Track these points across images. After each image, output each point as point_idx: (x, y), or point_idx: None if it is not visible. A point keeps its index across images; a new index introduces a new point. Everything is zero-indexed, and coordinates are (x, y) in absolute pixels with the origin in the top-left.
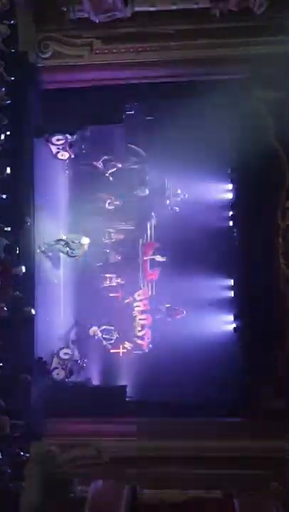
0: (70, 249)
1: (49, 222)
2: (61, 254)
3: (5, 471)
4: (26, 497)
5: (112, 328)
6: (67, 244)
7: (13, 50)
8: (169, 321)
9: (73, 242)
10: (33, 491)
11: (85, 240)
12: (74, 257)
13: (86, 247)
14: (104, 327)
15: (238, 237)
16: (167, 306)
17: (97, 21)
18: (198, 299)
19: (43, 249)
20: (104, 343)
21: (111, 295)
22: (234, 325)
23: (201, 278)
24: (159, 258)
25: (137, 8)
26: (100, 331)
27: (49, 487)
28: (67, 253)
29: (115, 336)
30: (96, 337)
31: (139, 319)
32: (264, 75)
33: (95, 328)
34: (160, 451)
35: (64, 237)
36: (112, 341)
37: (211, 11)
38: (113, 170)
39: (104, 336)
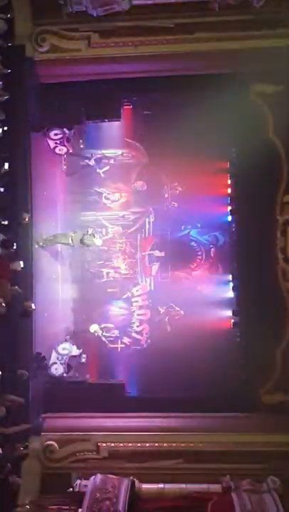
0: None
1: (47, 217)
2: (59, 249)
3: (4, 466)
4: (25, 491)
5: (112, 326)
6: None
7: (10, 44)
8: (168, 320)
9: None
10: (32, 485)
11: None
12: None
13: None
14: (104, 325)
15: (236, 231)
16: (166, 307)
17: (94, 15)
18: (197, 294)
19: (41, 244)
20: (104, 339)
21: (109, 290)
22: (233, 320)
23: (200, 273)
24: (157, 253)
25: (135, 2)
26: (101, 329)
27: (48, 481)
28: (71, 242)
29: (115, 333)
30: (96, 334)
31: (138, 314)
32: (263, 68)
33: (95, 326)
34: (159, 445)
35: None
36: (112, 339)
37: (209, 5)
38: (106, 168)
39: (104, 333)
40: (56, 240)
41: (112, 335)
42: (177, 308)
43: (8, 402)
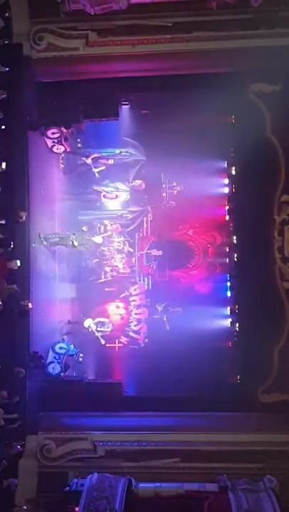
0: (79, 243)
1: (44, 215)
2: (56, 248)
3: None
4: (22, 490)
5: (107, 320)
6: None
7: (7, 42)
8: (166, 319)
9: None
10: (29, 484)
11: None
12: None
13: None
14: (98, 319)
15: (233, 231)
16: (163, 305)
17: (92, 13)
18: (194, 294)
19: (39, 243)
20: (97, 334)
21: (107, 289)
22: (230, 319)
23: (197, 272)
24: (155, 252)
25: (132, 0)
26: (94, 324)
27: (45, 480)
28: (72, 244)
29: (110, 328)
30: (90, 329)
31: (135, 314)
32: (261, 68)
33: (89, 320)
34: (156, 445)
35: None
36: (107, 333)
37: (208, 4)
38: (101, 168)
39: (98, 328)
40: (62, 242)
41: (107, 329)
42: (175, 308)
43: (6, 400)
